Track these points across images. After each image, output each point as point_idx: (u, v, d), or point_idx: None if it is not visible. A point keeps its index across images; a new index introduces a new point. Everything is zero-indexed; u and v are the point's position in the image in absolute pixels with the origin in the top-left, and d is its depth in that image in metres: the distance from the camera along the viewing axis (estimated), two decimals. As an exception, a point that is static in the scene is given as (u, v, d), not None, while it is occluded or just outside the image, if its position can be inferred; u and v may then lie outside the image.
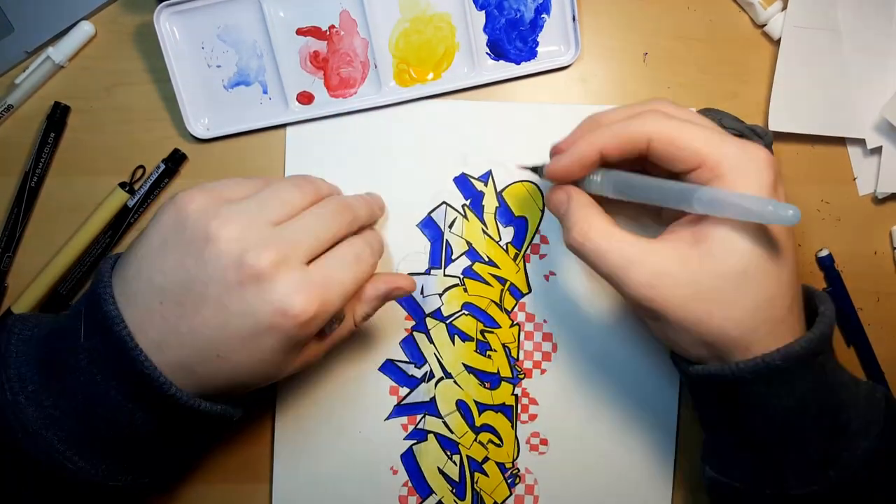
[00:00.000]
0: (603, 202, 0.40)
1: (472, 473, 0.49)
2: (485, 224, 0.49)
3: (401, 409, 0.49)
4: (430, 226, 0.49)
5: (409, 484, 0.49)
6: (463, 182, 0.49)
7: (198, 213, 0.36)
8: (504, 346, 0.49)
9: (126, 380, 0.36)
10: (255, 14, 0.48)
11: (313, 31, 0.49)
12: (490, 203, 0.49)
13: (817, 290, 0.42)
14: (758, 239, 0.36)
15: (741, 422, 0.39)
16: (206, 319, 0.35)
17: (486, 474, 0.49)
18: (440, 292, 0.49)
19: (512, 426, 0.49)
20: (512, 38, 0.49)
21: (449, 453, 0.49)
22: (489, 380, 0.49)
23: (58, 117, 0.49)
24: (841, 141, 0.50)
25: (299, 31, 0.49)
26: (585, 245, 0.37)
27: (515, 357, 0.49)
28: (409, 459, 0.49)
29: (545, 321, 0.49)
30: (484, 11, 0.49)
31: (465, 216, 0.49)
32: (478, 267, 0.49)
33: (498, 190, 0.49)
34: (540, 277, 0.49)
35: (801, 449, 0.38)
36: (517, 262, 0.49)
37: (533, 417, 0.49)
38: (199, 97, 0.49)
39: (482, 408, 0.49)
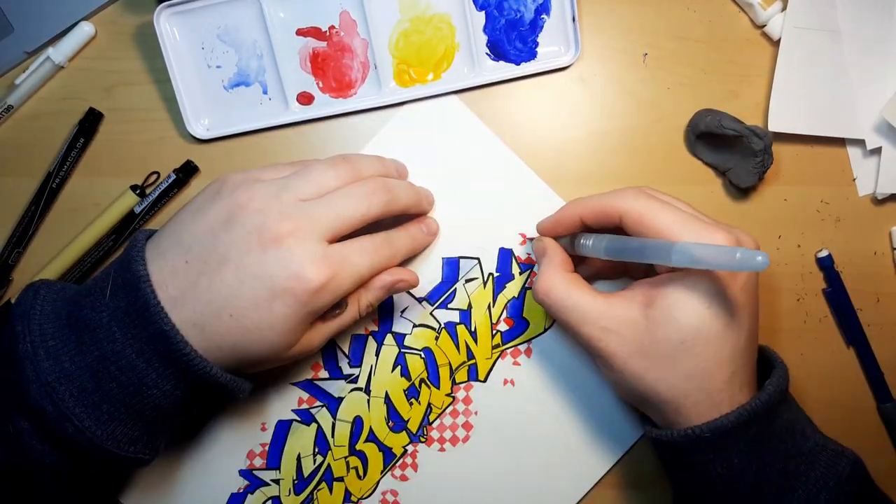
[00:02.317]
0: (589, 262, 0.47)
1: (320, 481, 0.49)
2: (494, 302, 0.49)
3: (310, 386, 0.49)
4: (452, 267, 0.49)
5: (266, 447, 0.49)
6: (505, 257, 0.49)
7: (232, 186, 0.40)
8: (430, 405, 0.49)
9: (143, 338, 0.37)
10: (255, 14, 0.48)
11: (313, 32, 0.49)
12: (512, 290, 0.49)
13: (776, 356, 0.43)
14: (702, 313, 0.38)
15: (687, 484, 0.42)
16: (224, 278, 0.38)
17: (330, 492, 0.49)
18: (416, 323, 0.49)
19: (381, 471, 0.49)
20: (512, 38, 0.49)
21: (316, 450, 0.49)
22: (396, 421, 0.49)
23: (89, 124, 0.49)
24: (841, 141, 0.50)
25: (299, 32, 0.48)
26: (546, 299, 0.42)
27: (430, 421, 0.49)
28: (281, 429, 0.49)
29: (476, 412, 0.49)
30: (484, 12, 0.49)
31: (483, 283, 0.49)
32: (461, 329, 0.49)
33: (526, 285, 0.49)
34: (500, 378, 0.49)
35: None
36: (494, 351, 0.49)
37: (404, 479, 0.49)
38: (199, 98, 0.49)
39: (371, 438, 0.49)
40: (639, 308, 0.40)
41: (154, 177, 0.50)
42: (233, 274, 0.38)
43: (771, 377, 0.40)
